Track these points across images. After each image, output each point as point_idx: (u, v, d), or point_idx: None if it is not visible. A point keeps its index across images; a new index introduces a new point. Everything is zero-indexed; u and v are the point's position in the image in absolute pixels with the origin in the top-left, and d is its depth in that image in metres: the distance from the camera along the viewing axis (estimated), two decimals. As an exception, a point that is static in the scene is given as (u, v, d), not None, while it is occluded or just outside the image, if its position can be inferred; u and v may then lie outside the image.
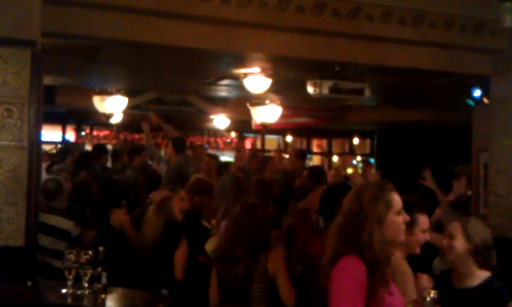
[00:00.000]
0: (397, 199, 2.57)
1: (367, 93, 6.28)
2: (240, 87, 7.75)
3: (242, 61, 6.75)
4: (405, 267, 3.12)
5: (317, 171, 6.41)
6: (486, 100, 7.00)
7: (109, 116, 9.53)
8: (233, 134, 14.57)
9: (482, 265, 3.21)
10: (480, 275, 3.20)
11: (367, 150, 16.28)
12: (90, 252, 3.61)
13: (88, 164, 7.32)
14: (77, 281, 3.59)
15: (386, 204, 2.51)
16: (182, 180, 6.38)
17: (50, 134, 12.51)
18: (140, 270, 4.55)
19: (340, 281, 2.40)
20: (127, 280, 4.04)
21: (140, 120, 8.73)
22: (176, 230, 4.56)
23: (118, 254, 4.47)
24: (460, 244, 3.20)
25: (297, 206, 6.17)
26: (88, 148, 11.15)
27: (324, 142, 16.24)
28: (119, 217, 5.03)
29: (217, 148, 13.42)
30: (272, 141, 15.62)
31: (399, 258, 3.07)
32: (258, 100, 8.79)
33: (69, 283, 3.58)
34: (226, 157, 11.54)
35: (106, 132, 13.28)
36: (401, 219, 2.56)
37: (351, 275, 2.39)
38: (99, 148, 8.46)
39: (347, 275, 2.40)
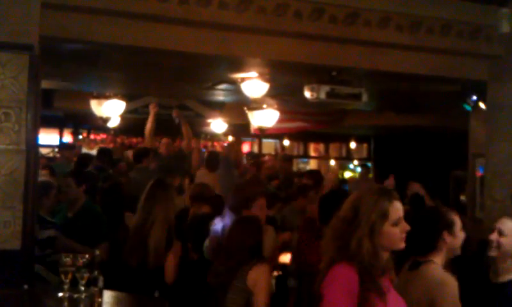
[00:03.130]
0: (396, 208, 2.45)
1: (364, 98, 6.28)
2: (238, 91, 7.76)
3: (240, 66, 6.76)
4: (443, 276, 2.98)
5: (316, 173, 6.56)
6: (482, 105, 7.02)
7: (106, 120, 9.52)
8: (230, 138, 14.56)
9: None
10: None
11: (364, 154, 16.33)
12: (87, 256, 3.61)
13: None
14: (74, 284, 3.58)
15: (381, 214, 2.41)
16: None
17: (48, 138, 12.50)
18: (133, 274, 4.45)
19: (331, 290, 2.36)
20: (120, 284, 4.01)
21: (136, 125, 8.73)
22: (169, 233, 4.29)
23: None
24: (508, 242, 3.32)
25: None
26: (84, 151, 11.11)
27: (321, 146, 16.28)
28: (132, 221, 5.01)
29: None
30: (269, 145, 15.63)
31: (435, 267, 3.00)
32: (256, 105, 8.80)
33: (65, 286, 3.57)
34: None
35: (103, 136, 13.28)
36: (398, 229, 2.45)
37: (342, 284, 2.35)
38: (141, 153, 8.39)
39: (338, 284, 2.36)
